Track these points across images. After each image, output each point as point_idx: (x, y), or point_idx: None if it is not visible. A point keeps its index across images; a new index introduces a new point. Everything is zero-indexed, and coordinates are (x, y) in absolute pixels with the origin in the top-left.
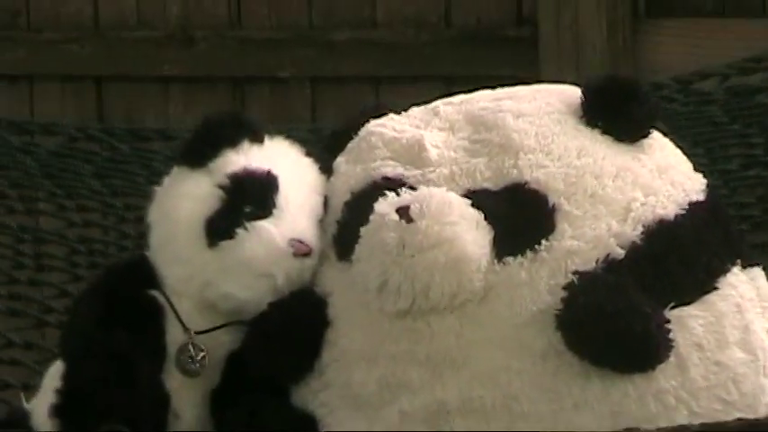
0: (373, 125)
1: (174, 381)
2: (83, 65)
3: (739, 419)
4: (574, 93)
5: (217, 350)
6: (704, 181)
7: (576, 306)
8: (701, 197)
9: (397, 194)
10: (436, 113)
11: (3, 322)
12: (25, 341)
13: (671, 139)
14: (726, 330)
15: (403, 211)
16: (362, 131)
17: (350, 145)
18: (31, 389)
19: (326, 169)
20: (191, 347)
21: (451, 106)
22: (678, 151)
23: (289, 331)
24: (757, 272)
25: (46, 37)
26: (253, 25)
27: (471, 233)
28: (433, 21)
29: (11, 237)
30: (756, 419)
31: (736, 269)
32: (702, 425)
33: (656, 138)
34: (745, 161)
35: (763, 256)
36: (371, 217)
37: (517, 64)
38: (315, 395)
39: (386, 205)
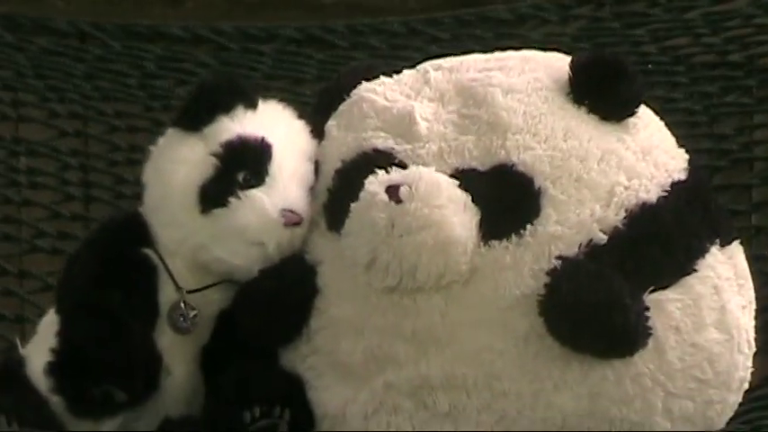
0: (365, 90)
1: (165, 338)
2: None
3: None
4: (562, 65)
5: (208, 308)
6: (686, 157)
7: (558, 294)
8: (683, 176)
9: (387, 171)
10: (426, 81)
11: None
12: (19, 270)
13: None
14: (703, 312)
15: (393, 191)
16: (354, 95)
17: (341, 108)
18: (23, 321)
19: (318, 132)
20: (183, 306)
21: (441, 73)
22: (662, 125)
23: (278, 297)
24: (735, 248)
25: None
26: None
27: (459, 216)
28: None
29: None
30: None
31: (714, 249)
32: None
33: (642, 116)
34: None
35: (740, 199)
36: (361, 194)
37: None
38: (303, 359)
39: (376, 184)
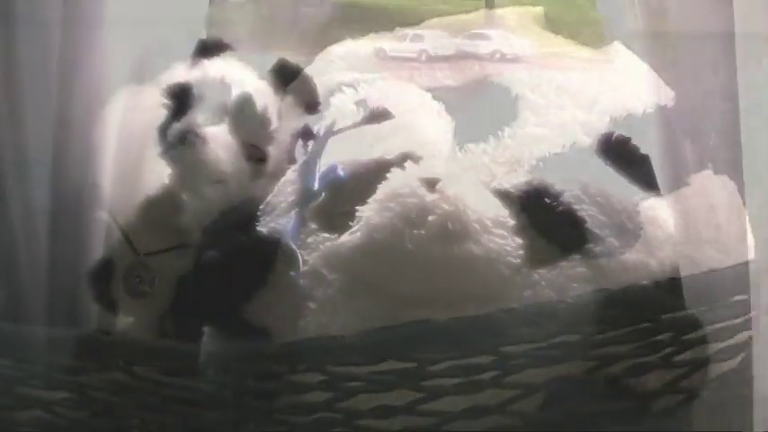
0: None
1: (122, 303)
2: None
3: None
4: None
5: (166, 273)
6: (673, 94)
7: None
8: (671, 104)
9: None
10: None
11: None
12: None
13: None
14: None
15: (360, 103)
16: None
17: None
18: None
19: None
20: (139, 268)
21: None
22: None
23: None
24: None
25: None
26: None
27: (432, 120)
28: None
29: None
30: None
31: (707, 172)
32: None
33: (622, 50)
34: None
35: None
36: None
37: None
38: (270, 309)
39: (343, 98)
